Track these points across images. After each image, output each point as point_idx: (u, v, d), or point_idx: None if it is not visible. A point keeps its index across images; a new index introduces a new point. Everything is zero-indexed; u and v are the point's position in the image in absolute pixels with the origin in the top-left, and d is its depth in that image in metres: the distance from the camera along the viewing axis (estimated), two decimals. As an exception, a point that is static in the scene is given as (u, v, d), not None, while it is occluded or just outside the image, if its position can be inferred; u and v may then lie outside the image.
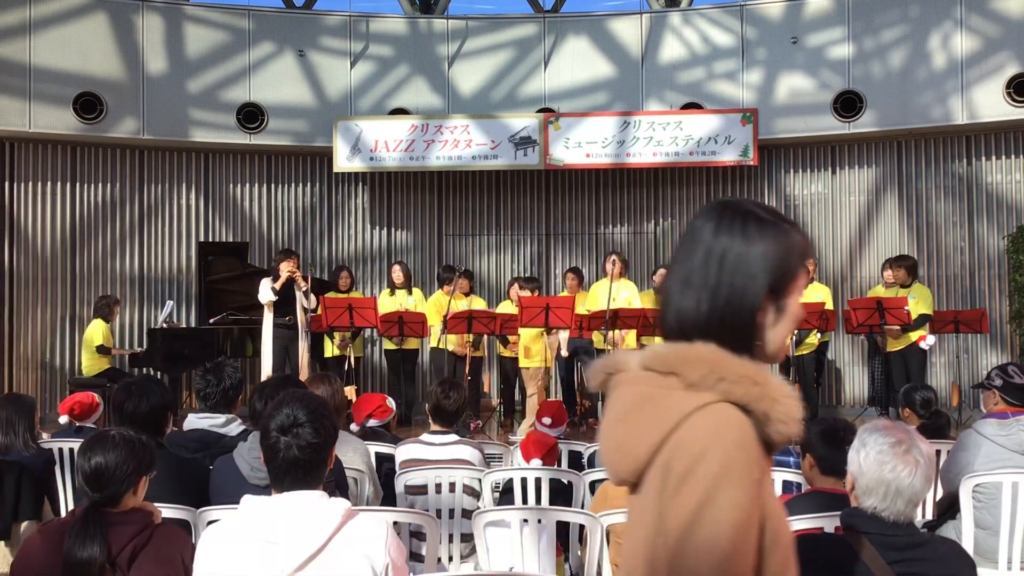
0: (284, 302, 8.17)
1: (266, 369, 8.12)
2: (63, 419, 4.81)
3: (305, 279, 8.14)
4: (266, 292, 8.04)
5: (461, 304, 8.43)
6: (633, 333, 8.12)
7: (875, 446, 2.08)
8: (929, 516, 4.11)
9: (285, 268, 8.02)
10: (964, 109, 9.27)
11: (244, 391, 3.84)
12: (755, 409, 1.25)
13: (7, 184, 9.63)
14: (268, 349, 8.16)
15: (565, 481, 3.86)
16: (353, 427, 4.43)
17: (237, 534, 2.05)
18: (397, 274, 8.87)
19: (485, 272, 10.59)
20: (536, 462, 3.81)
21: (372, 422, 4.49)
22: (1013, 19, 9.14)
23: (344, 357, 8.44)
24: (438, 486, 3.78)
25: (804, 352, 8.14)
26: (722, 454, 1.21)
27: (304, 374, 7.62)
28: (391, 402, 4.73)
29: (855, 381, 10.01)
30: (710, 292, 1.31)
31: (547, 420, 4.61)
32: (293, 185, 10.52)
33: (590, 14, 10.44)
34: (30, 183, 9.71)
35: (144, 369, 9.17)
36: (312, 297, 8.16)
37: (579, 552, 3.38)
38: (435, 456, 3.96)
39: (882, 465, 2.05)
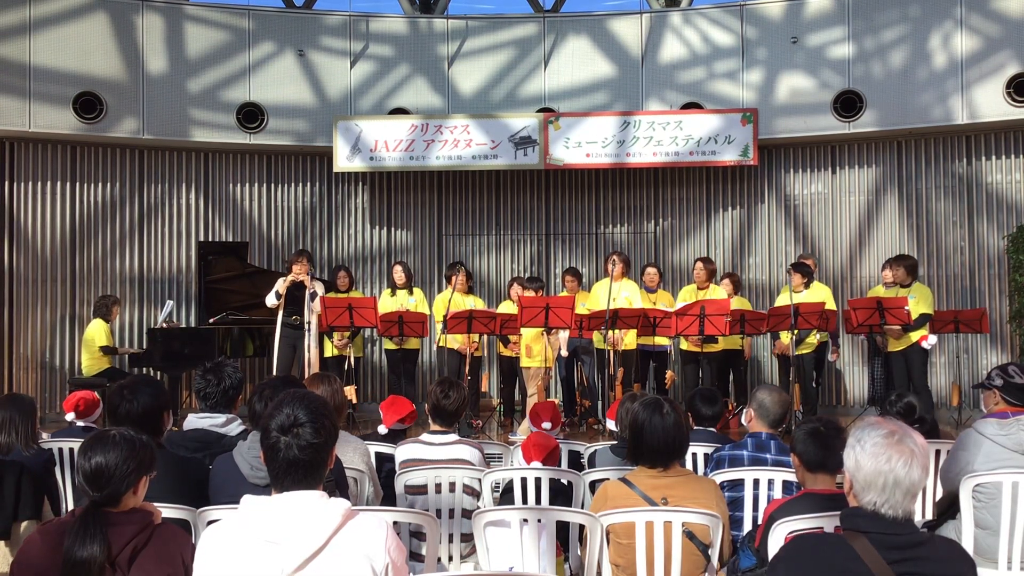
0: (292, 301, 8.22)
1: (275, 368, 8.27)
2: (70, 416, 4.91)
3: (312, 279, 8.23)
4: (270, 296, 8.19)
5: (469, 302, 8.44)
6: (633, 333, 8.11)
7: (869, 440, 2.11)
8: (929, 516, 4.11)
9: (293, 270, 8.15)
10: (964, 109, 9.27)
11: (244, 391, 3.84)
12: None
13: (7, 184, 9.64)
14: (276, 348, 8.25)
15: (565, 481, 3.86)
16: (381, 428, 4.46)
17: (237, 534, 2.05)
18: (398, 274, 8.86)
19: (485, 272, 10.59)
20: (537, 464, 3.81)
21: (397, 425, 4.51)
22: (1013, 19, 9.14)
23: (344, 357, 8.45)
24: (438, 486, 3.78)
25: (804, 352, 8.13)
26: None
27: (314, 371, 7.67)
28: None
29: (855, 381, 10.01)
30: None
31: (546, 424, 4.57)
32: (293, 185, 10.52)
33: (590, 14, 10.43)
34: (30, 183, 9.71)
35: (144, 369, 9.17)
36: (317, 300, 8.15)
37: (579, 552, 3.38)
38: (435, 456, 3.96)
39: (877, 457, 2.07)
